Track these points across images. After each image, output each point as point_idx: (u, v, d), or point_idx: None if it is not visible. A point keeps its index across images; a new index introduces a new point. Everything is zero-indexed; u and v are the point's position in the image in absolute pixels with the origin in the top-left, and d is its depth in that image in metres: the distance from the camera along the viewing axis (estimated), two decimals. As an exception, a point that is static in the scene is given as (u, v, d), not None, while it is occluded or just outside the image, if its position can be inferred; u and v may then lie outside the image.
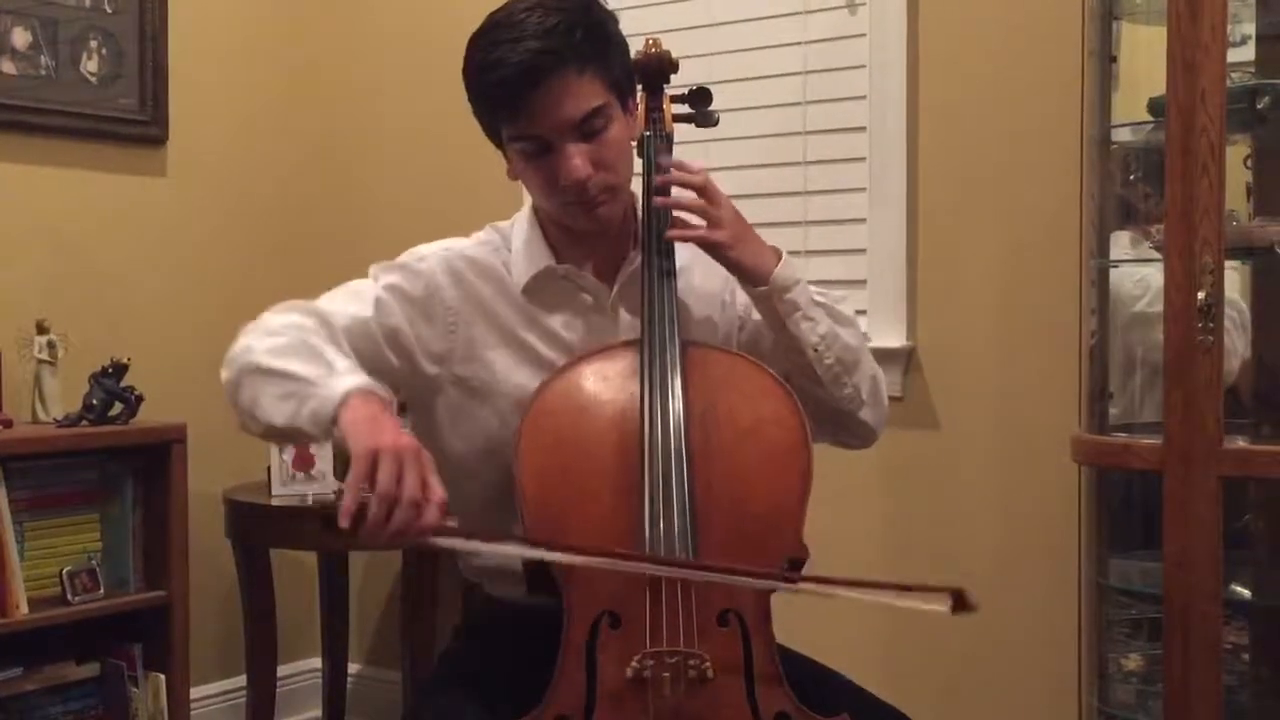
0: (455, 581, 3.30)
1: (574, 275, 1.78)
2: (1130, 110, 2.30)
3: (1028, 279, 2.72)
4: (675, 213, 1.71)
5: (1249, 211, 2.25)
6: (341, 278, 1.79)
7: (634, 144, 1.79)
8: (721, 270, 1.75)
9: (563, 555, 1.51)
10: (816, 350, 1.72)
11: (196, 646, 3.11)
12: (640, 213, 1.78)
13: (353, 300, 1.72)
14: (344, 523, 1.40)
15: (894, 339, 2.83)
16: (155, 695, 2.97)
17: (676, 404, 1.62)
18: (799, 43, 2.99)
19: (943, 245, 2.82)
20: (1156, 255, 2.15)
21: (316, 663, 3.58)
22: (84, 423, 2.92)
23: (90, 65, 3.22)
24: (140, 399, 2.99)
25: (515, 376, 1.74)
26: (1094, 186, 2.36)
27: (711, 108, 1.92)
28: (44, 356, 2.97)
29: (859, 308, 2.87)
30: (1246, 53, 2.23)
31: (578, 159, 1.66)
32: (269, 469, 3.13)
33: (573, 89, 1.65)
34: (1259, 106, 2.13)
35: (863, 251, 2.90)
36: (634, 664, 1.50)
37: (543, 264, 1.77)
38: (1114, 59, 2.32)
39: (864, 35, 2.89)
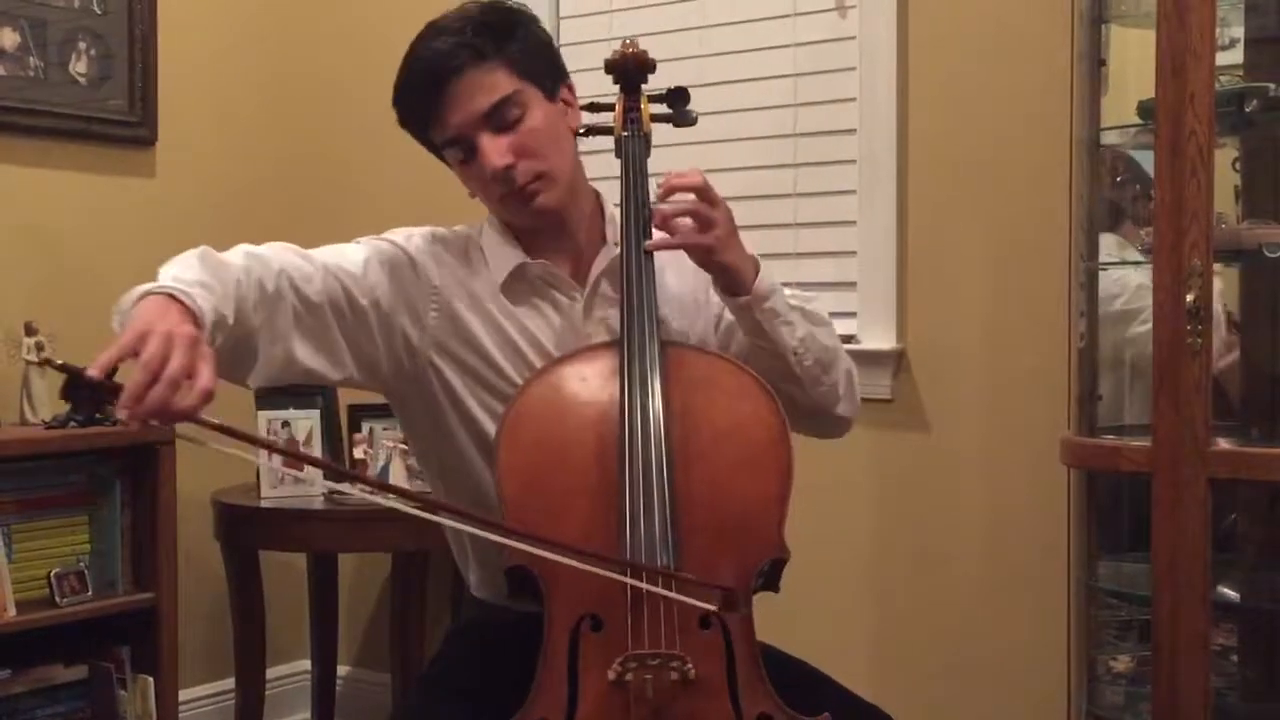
0: (445, 584, 3.31)
1: (549, 273, 1.78)
2: (1119, 113, 2.31)
3: (1017, 281, 2.73)
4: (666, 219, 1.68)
5: (1237, 214, 2.26)
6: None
7: (576, 132, 1.80)
8: (695, 266, 1.74)
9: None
10: (796, 354, 1.73)
11: (185, 649, 3.10)
12: (619, 213, 1.77)
13: (339, 255, 1.76)
14: (94, 371, 1.38)
15: (884, 341, 2.84)
16: (144, 698, 2.96)
17: (656, 404, 1.62)
18: (789, 45, 2.99)
19: (933, 247, 2.83)
20: (1144, 258, 2.16)
21: (305, 665, 3.57)
22: (72, 424, 2.91)
23: (79, 66, 3.21)
24: (129, 400, 2.98)
25: (505, 367, 1.74)
26: (1083, 189, 2.36)
27: (690, 107, 1.91)
28: (32, 358, 2.96)
29: (849, 309, 2.87)
30: (1235, 56, 2.24)
31: (494, 149, 1.69)
32: (258, 471, 3.12)
33: (475, 82, 1.70)
34: (1247, 109, 2.13)
35: (853, 254, 2.90)
36: (615, 667, 1.50)
37: (517, 260, 1.77)
38: (1103, 62, 2.32)
39: (854, 38, 2.89)
